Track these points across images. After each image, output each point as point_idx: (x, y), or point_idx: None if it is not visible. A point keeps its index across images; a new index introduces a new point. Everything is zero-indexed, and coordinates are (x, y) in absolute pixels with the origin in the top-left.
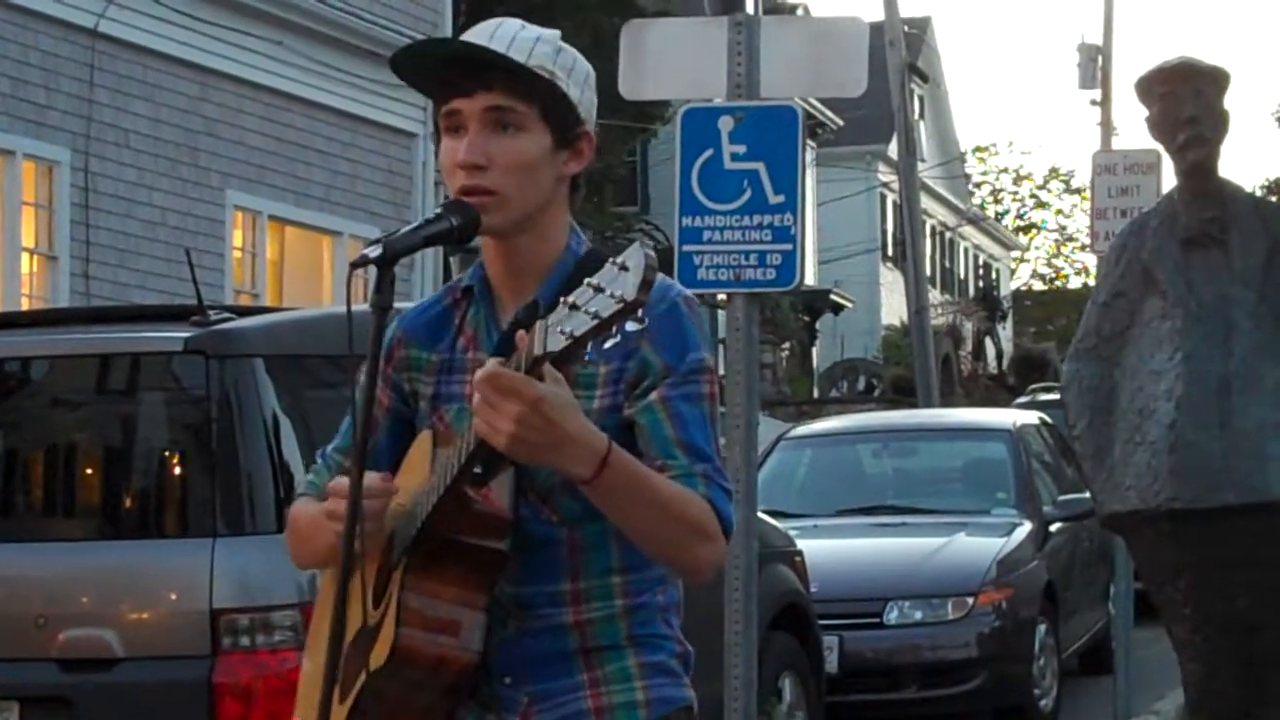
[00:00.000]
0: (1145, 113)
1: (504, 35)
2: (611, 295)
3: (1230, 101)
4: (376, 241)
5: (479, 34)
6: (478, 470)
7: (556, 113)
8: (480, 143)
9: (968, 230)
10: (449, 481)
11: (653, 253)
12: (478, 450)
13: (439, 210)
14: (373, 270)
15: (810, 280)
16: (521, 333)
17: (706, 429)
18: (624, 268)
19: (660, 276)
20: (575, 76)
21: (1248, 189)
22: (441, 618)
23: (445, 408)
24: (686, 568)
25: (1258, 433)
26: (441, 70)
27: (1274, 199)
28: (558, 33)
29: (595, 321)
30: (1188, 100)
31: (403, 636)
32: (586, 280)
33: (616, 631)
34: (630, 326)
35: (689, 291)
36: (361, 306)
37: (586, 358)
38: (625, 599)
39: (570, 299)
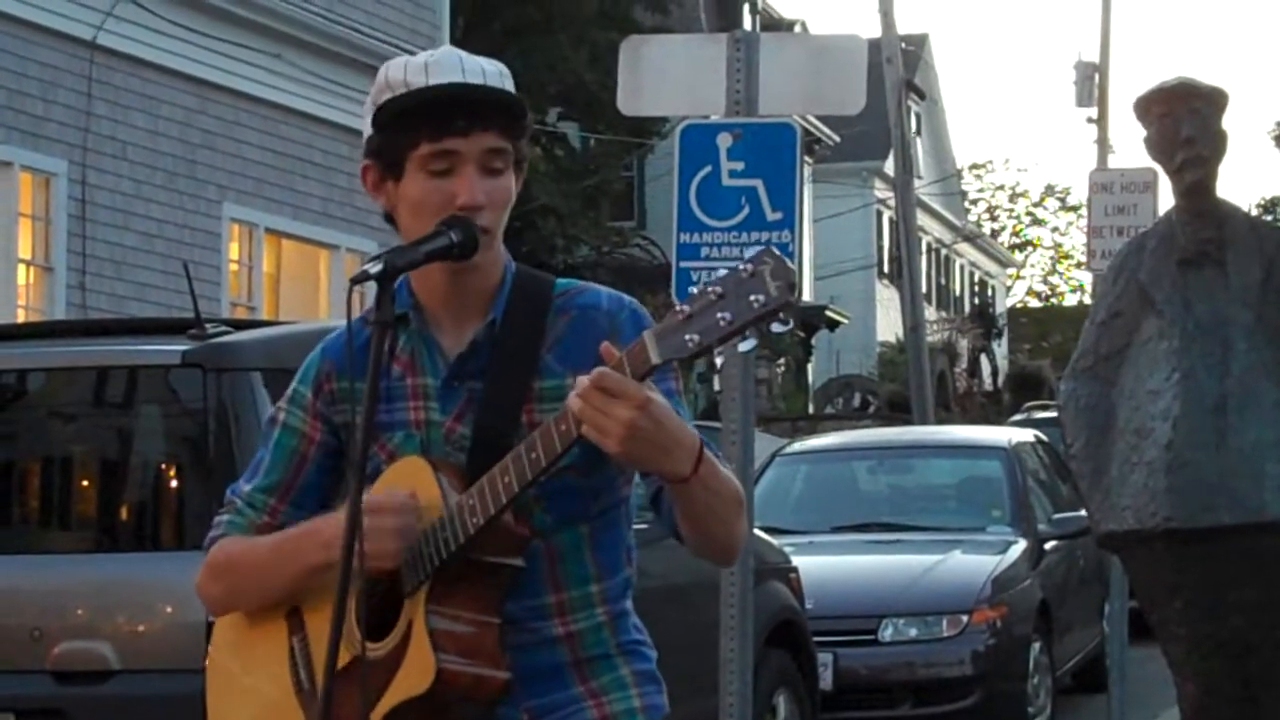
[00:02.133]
0: (1143, 132)
1: (474, 70)
2: (754, 299)
3: (1227, 121)
4: (377, 257)
5: (448, 69)
6: None
7: (521, 150)
8: (479, 183)
9: (964, 247)
10: (503, 503)
11: (783, 255)
12: (549, 468)
13: (439, 226)
14: (372, 286)
15: (806, 296)
16: (607, 345)
17: (686, 417)
18: (753, 274)
19: (602, 288)
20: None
21: (1244, 208)
22: (470, 640)
23: (386, 435)
24: (731, 546)
25: (1254, 452)
26: (438, 110)
27: (1269, 218)
28: (502, 65)
29: (730, 326)
30: (1185, 121)
31: (444, 661)
32: (705, 286)
33: (604, 641)
34: (776, 328)
35: (634, 301)
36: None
37: (718, 360)
38: (605, 605)
39: (687, 309)
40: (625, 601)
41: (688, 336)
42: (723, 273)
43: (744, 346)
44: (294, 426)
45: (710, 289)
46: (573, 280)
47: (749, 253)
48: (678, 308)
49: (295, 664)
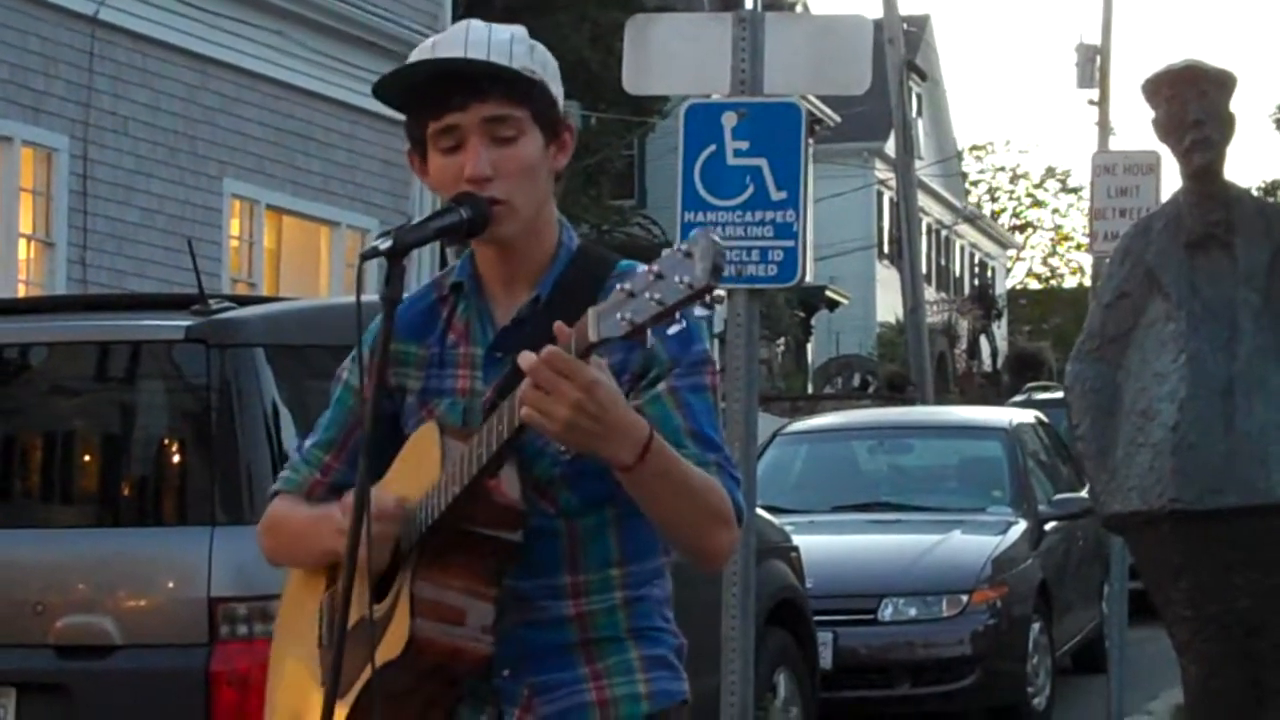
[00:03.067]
0: (1150, 115)
1: (480, 41)
2: (681, 281)
3: (1235, 104)
4: (386, 233)
5: (452, 43)
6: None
7: (545, 112)
8: (484, 154)
9: (964, 228)
10: (474, 473)
11: (718, 239)
12: (509, 442)
13: (449, 202)
14: (381, 262)
15: (807, 276)
16: (560, 324)
17: (714, 419)
18: (688, 254)
19: None
20: (550, 71)
21: (1251, 191)
22: (455, 608)
23: (435, 402)
24: (706, 554)
25: (1261, 435)
26: (431, 87)
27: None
28: (524, 29)
29: (660, 308)
30: (1193, 103)
31: (419, 628)
32: (646, 267)
33: (617, 624)
34: (699, 311)
35: None
36: (370, 297)
37: (647, 343)
38: (625, 590)
39: (627, 286)
40: (651, 589)
41: (620, 315)
42: (665, 251)
43: (700, 311)
44: (353, 385)
45: (651, 268)
46: (636, 261)
47: (692, 233)
48: (620, 286)
49: (321, 620)
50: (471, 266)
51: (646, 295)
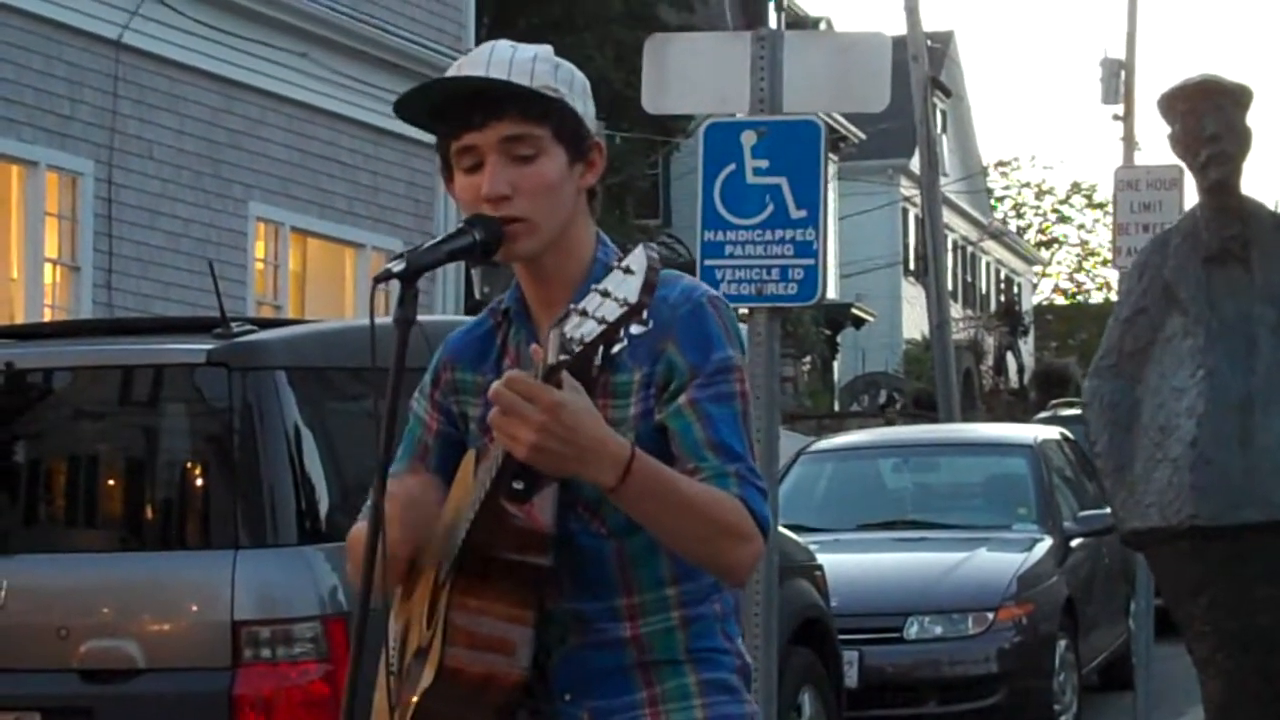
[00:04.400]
0: (1167, 130)
1: (502, 60)
2: (615, 299)
3: (1252, 118)
4: (400, 256)
5: (475, 63)
6: (519, 486)
7: (568, 130)
8: (502, 173)
9: (990, 245)
10: (483, 497)
11: (655, 254)
12: (508, 463)
13: (462, 225)
14: (396, 285)
15: (832, 294)
16: (535, 345)
17: (738, 428)
18: (629, 271)
19: (686, 278)
20: (576, 89)
21: (1267, 205)
22: (488, 635)
23: None
24: (722, 569)
25: (1279, 449)
26: (450, 107)
27: None
28: (550, 48)
29: (602, 327)
30: (1210, 118)
31: (449, 656)
32: (594, 286)
33: (674, 645)
34: (634, 329)
35: (716, 291)
36: (384, 320)
37: (597, 364)
38: (682, 610)
39: (581, 305)
40: (708, 605)
41: (571, 336)
42: (611, 271)
43: (635, 329)
44: (420, 415)
45: (599, 287)
46: (670, 271)
47: (634, 249)
48: (574, 305)
49: (388, 647)
50: (518, 291)
51: (593, 316)
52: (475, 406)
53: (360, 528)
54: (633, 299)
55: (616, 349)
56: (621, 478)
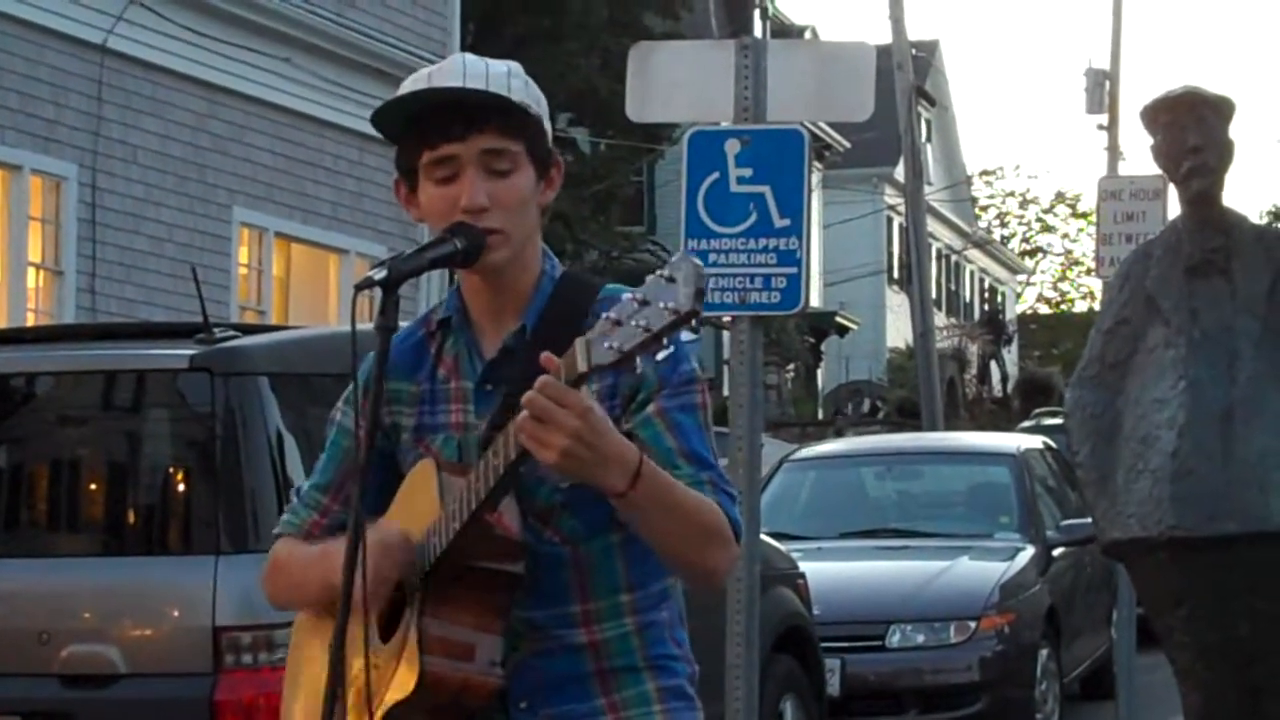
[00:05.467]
0: (1150, 141)
1: (477, 74)
2: (665, 307)
3: (1235, 129)
4: (382, 264)
5: (448, 74)
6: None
7: (538, 147)
8: (480, 185)
9: (974, 253)
10: (473, 508)
11: (700, 262)
12: (507, 476)
13: (444, 233)
14: (378, 292)
15: (816, 302)
16: (547, 354)
17: (704, 437)
18: (671, 280)
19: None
20: (543, 107)
21: (1251, 216)
22: (463, 643)
23: (430, 438)
24: (704, 573)
25: (1260, 462)
26: (429, 117)
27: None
28: (519, 65)
29: (646, 334)
30: (1192, 129)
31: (429, 664)
32: (630, 295)
33: (631, 651)
34: (685, 336)
35: None
36: (365, 327)
37: (636, 369)
38: (635, 616)
39: (613, 315)
40: (660, 612)
41: (608, 344)
42: (650, 278)
43: (660, 355)
44: (346, 427)
45: (635, 295)
46: (620, 286)
47: (674, 257)
48: (607, 314)
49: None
50: (459, 300)
51: (633, 323)
52: (408, 416)
53: (286, 548)
54: (684, 307)
55: (661, 355)
56: (631, 483)
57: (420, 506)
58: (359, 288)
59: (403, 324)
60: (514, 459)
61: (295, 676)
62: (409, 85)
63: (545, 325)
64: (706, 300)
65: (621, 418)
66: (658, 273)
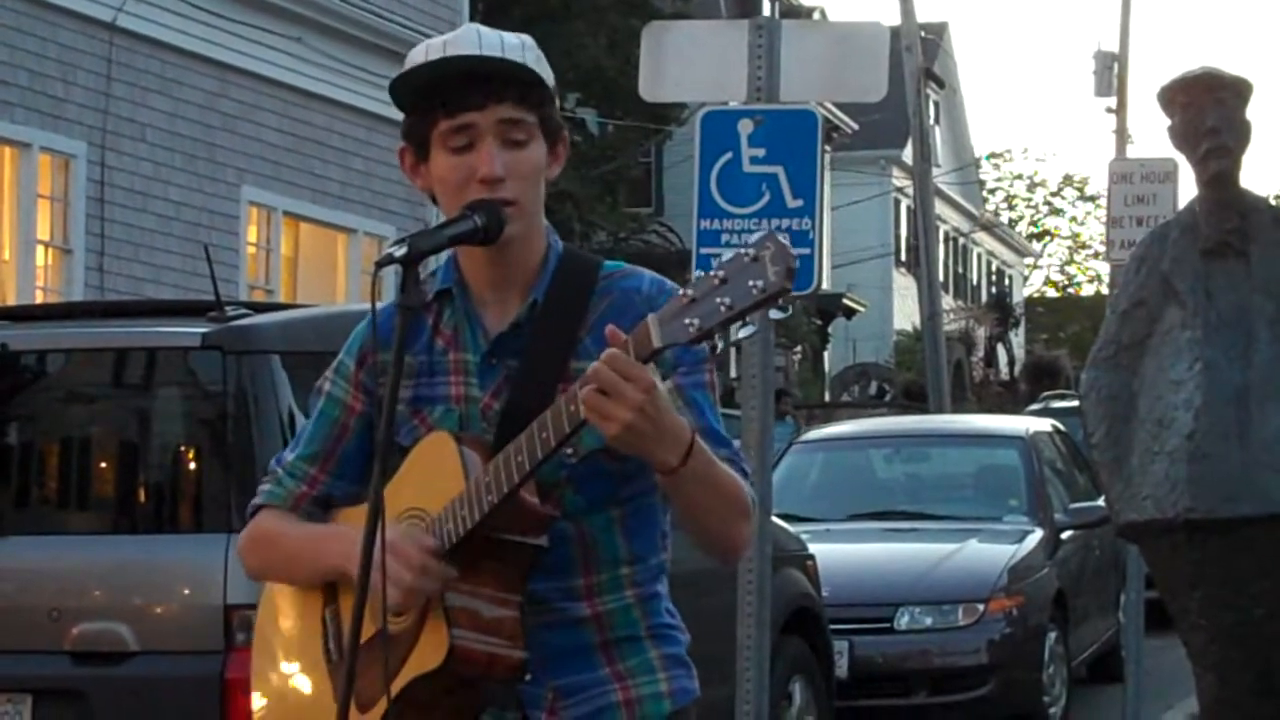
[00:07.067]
0: (1167, 122)
1: (493, 44)
2: (752, 285)
3: (1251, 111)
4: (401, 241)
5: (463, 44)
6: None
7: (549, 120)
8: (498, 155)
9: (981, 236)
10: (516, 481)
11: (786, 240)
12: (558, 448)
13: (463, 210)
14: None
15: (823, 284)
16: (612, 328)
17: (718, 414)
18: (755, 259)
19: (646, 272)
20: (552, 81)
21: (1267, 199)
22: (487, 617)
23: (428, 409)
24: (730, 546)
25: (1276, 443)
26: (447, 86)
27: None
28: (531, 38)
29: (730, 312)
30: (1209, 111)
31: (458, 638)
32: (709, 272)
33: (634, 623)
34: (774, 314)
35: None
36: (384, 304)
37: (718, 349)
38: (635, 588)
39: (690, 293)
40: (657, 585)
41: (688, 321)
42: (728, 255)
43: (743, 333)
44: (337, 397)
45: (714, 273)
46: (620, 263)
47: (753, 237)
48: (683, 291)
49: (326, 635)
50: (456, 272)
51: (715, 300)
52: (405, 388)
53: (275, 522)
54: (775, 285)
55: (744, 333)
56: (684, 460)
57: (439, 479)
58: (379, 264)
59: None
60: (569, 432)
61: (270, 646)
62: (420, 53)
63: (552, 300)
64: None
65: None
66: (741, 250)
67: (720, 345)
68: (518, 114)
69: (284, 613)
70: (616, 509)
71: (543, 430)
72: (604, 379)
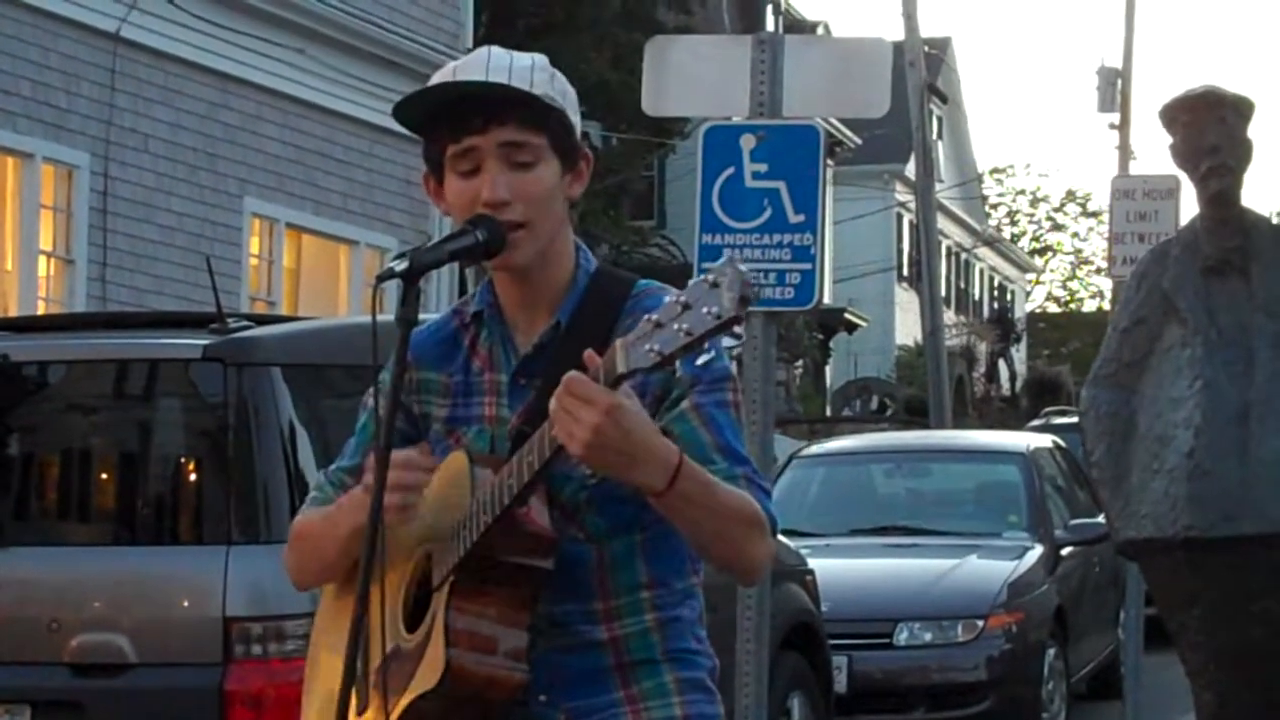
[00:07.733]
0: (1168, 140)
1: (501, 66)
2: (708, 312)
3: (1253, 130)
4: (402, 255)
5: (473, 67)
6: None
7: (563, 140)
8: (500, 179)
9: (983, 251)
10: (505, 503)
11: (745, 268)
12: (541, 471)
13: (465, 225)
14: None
15: (825, 299)
16: (590, 352)
17: (739, 433)
18: (715, 284)
19: (668, 289)
20: (570, 101)
21: (1268, 217)
22: (489, 637)
23: (463, 430)
24: (745, 568)
25: (1276, 462)
26: (451, 110)
27: None
28: (545, 58)
29: (688, 339)
30: (1211, 129)
31: (454, 657)
32: (672, 297)
33: (652, 646)
34: (727, 341)
35: None
36: (385, 318)
37: (676, 373)
38: (656, 613)
39: (655, 317)
40: (681, 609)
41: (648, 347)
42: (693, 281)
43: (727, 343)
44: (376, 412)
45: (678, 299)
46: (652, 281)
47: (719, 261)
48: (649, 316)
49: (357, 645)
50: (491, 294)
51: (675, 326)
52: (440, 407)
53: (306, 514)
54: (728, 312)
55: (701, 360)
56: (670, 483)
57: (452, 498)
58: (380, 279)
59: (426, 317)
60: (549, 455)
61: (314, 668)
62: (436, 80)
63: (580, 321)
64: None
65: (655, 416)
66: (701, 276)
67: (679, 370)
68: (521, 136)
69: (324, 627)
70: (640, 533)
71: (529, 453)
72: (562, 402)
